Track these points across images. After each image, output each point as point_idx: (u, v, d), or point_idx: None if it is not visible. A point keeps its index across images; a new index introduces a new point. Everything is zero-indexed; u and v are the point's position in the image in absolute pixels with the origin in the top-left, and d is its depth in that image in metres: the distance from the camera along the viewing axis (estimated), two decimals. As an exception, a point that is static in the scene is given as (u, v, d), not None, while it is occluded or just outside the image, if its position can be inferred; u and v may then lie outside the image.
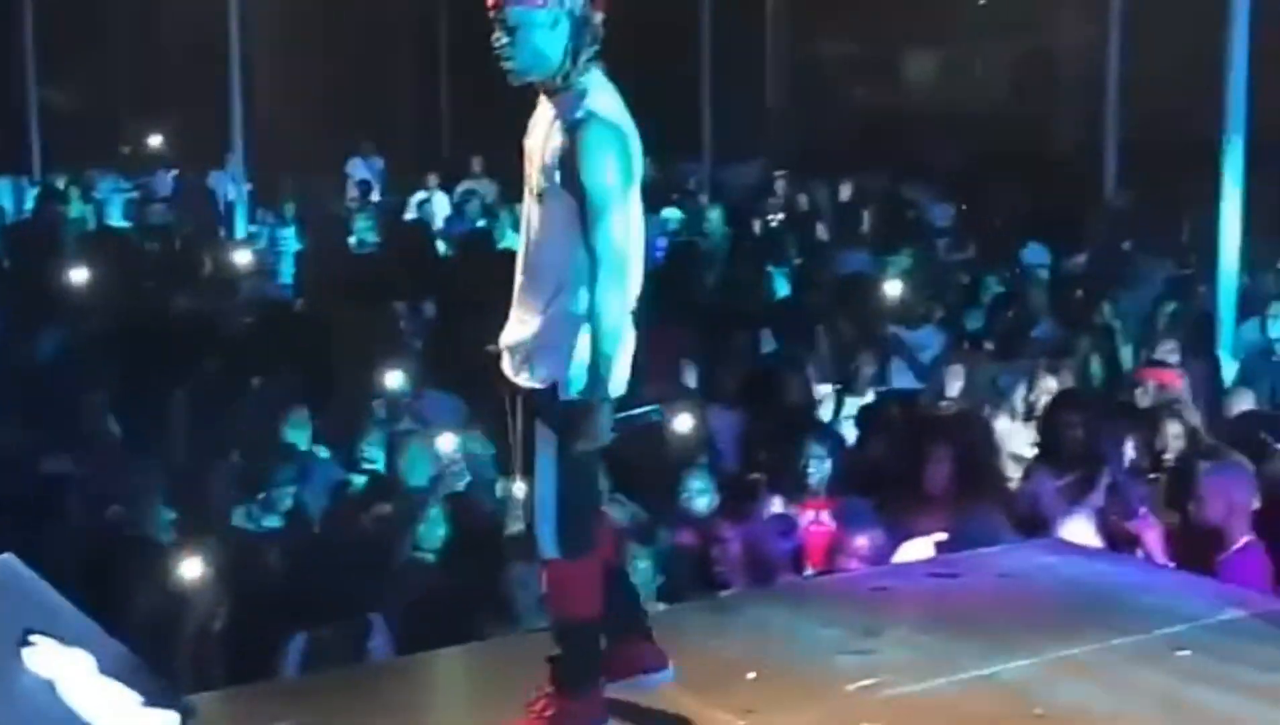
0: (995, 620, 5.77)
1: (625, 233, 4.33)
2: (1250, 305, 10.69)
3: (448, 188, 17.99)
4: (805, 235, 15.29)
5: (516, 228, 15.07)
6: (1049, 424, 8.62)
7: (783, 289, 12.79)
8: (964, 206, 15.65)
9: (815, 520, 7.68)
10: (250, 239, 14.99)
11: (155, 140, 22.80)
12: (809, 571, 7.37)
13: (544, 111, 4.46)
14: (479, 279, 11.86)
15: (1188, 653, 5.45)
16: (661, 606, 6.55)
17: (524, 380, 4.46)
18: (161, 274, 12.87)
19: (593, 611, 4.53)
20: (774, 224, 16.22)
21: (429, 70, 24.19)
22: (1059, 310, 11.54)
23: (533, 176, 4.44)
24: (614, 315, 4.31)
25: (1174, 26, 18.39)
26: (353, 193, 19.03)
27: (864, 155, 19.31)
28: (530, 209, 4.47)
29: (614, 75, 4.44)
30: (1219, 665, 5.36)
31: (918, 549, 7.23)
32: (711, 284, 12.68)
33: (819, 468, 7.85)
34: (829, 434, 8.57)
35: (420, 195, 17.57)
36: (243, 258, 13.25)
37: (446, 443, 7.81)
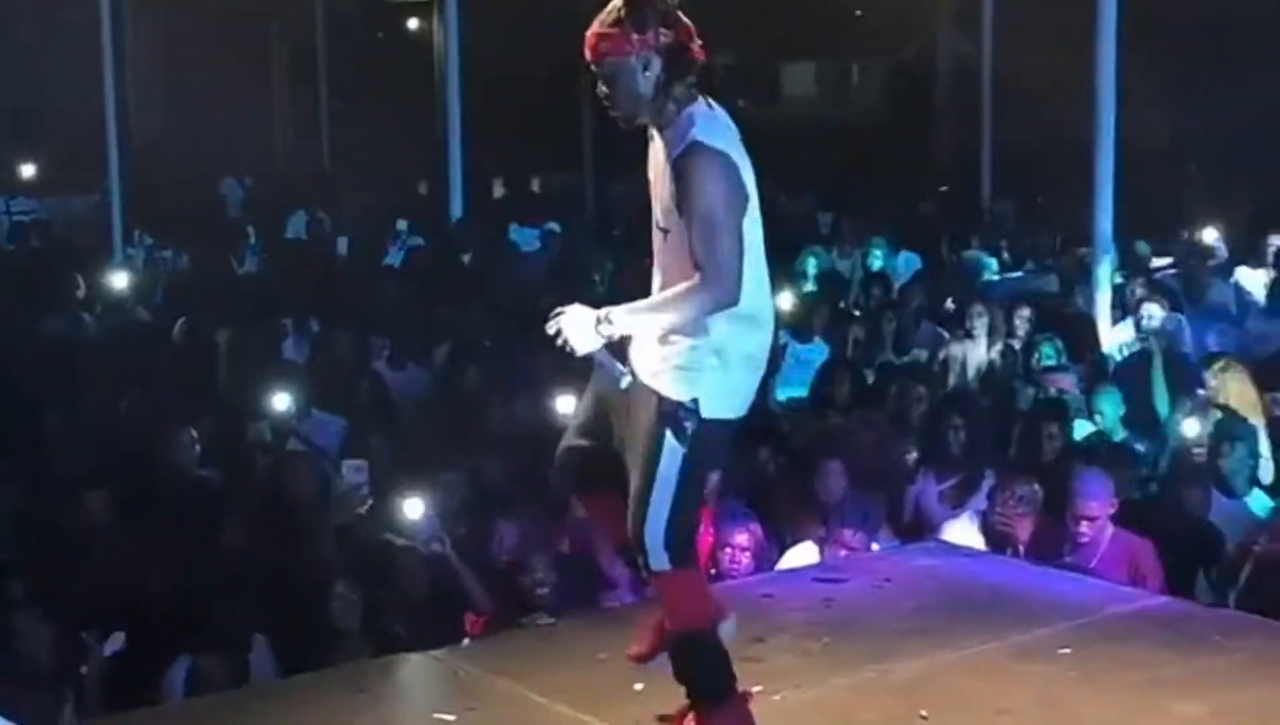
0: (881, 623, 5.83)
1: (738, 256, 4.37)
2: (1125, 306, 10.88)
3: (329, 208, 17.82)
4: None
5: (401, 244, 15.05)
6: (931, 428, 8.72)
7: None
8: (843, 217, 15.78)
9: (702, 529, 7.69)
10: (128, 260, 14.78)
11: (30, 165, 22.44)
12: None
13: (656, 147, 4.57)
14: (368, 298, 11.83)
15: (1069, 650, 5.54)
16: (549, 619, 6.56)
17: (663, 390, 4.48)
18: (35, 296, 12.66)
19: (707, 619, 4.58)
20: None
21: (308, 88, 24.02)
22: (937, 317, 11.68)
23: (657, 213, 4.54)
24: (741, 337, 4.45)
25: (1046, 36, 18.73)
26: (233, 213, 18.84)
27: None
28: (659, 241, 4.56)
29: (716, 100, 4.53)
30: (1100, 662, 5.46)
31: (802, 555, 7.29)
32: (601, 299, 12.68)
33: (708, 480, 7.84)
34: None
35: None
36: (119, 280, 13.07)
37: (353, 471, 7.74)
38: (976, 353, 10.63)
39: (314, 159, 22.70)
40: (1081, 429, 8.89)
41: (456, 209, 14.84)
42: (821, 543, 7.35)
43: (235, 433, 8.93)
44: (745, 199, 4.43)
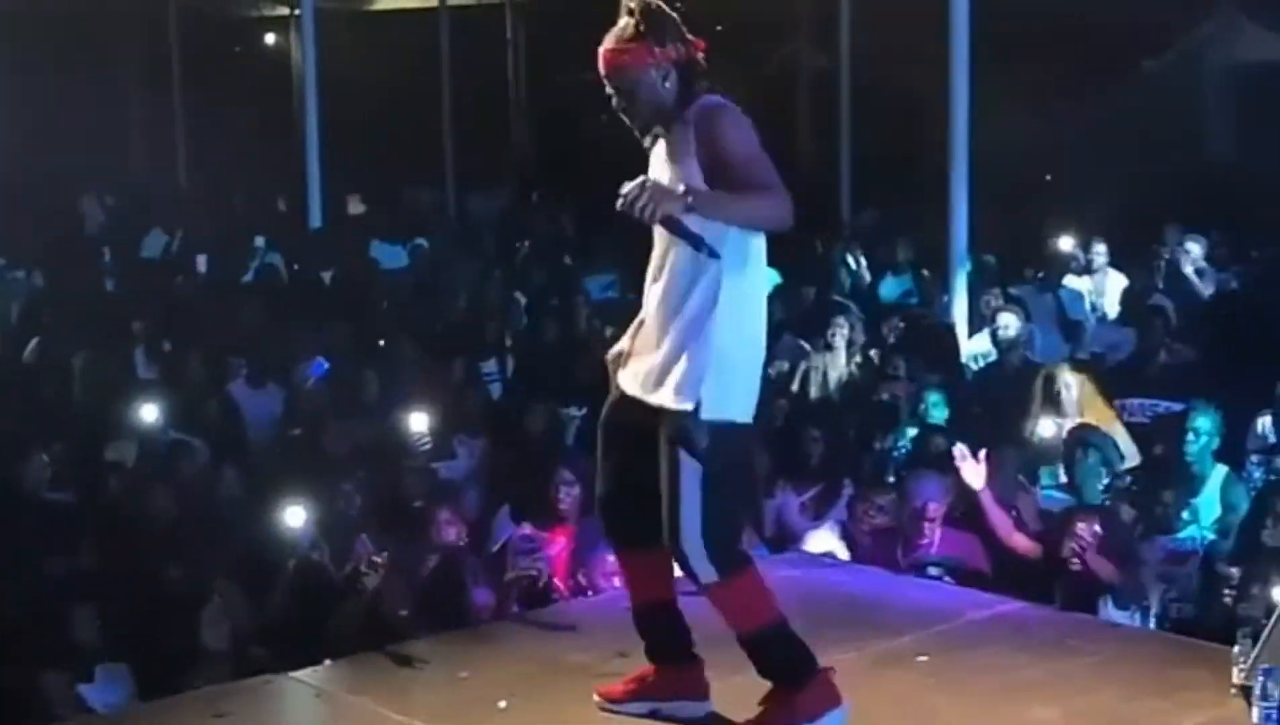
0: (742, 634, 5.84)
1: (745, 258, 4.48)
2: (980, 319, 11.03)
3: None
4: (553, 262, 15.33)
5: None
6: (790, 440, 8.80)
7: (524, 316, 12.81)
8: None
9: (560, 546, 7.70)
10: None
11: None
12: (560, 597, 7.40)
13: (660, 148, 4.65)
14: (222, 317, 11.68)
15: (926, 657, 5.61)
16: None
17: (664, 402, 4.53)
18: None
19: (773, 613, 4.69)
20: (522, 251, 16.22)
21: (164, 104, 23.68)
22: (796, 326, 11.75)
23: None
24: (740, 339, 4.51)
25: (903, 50, 18.98)
26: (90, 231, 18.49)
27: (606, 180, 19.43)
28: (660, 242, 4.62)
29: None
30: (958, 668, 5.54)
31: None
32: (459, 312, 12.64)
33: (568, 493, 7.87)
34: (576, 459, 8.61)
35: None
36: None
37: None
38: (837, 364, 10.72)
39: (170, 176, 22.36)
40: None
41: (315, 224, 14.70)
42: None
43: (90, 454, 8.77)
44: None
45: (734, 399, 4.55)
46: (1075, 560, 7.10)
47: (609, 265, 13.86)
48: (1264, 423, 8.95)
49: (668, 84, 4.54)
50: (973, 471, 7.41)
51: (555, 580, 7.41)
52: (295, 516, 7.28)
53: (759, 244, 4.59)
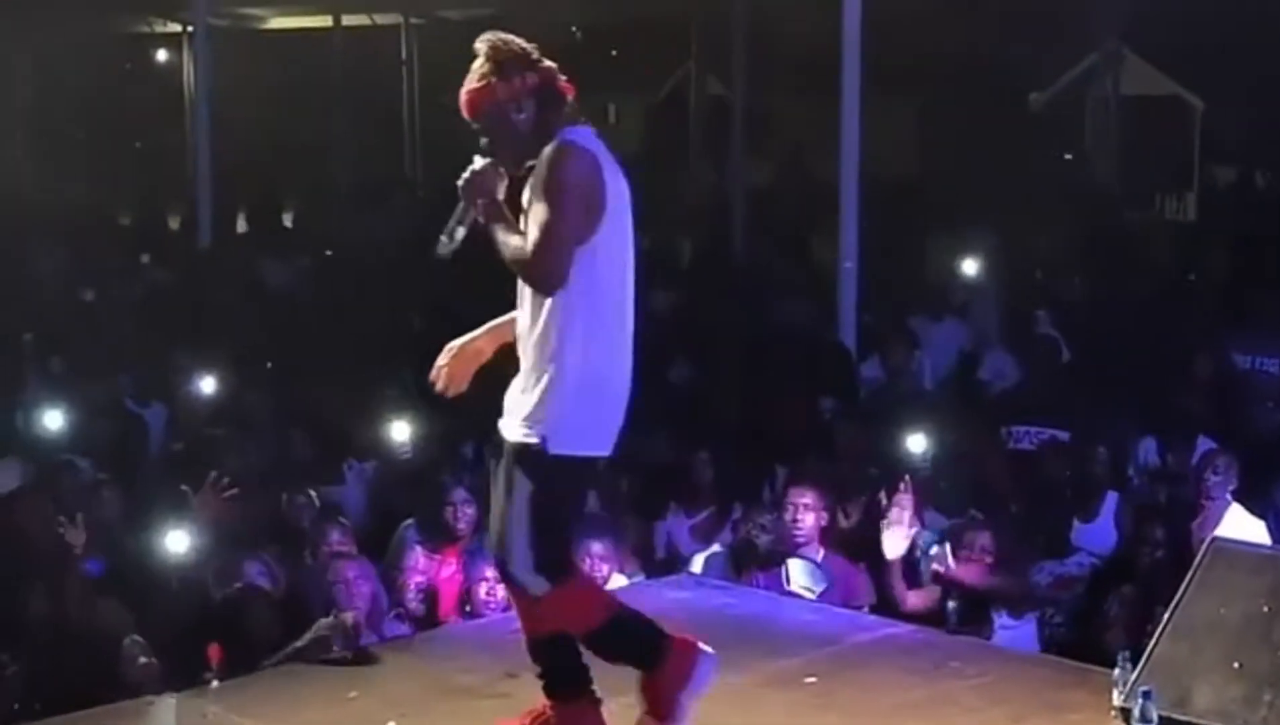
0: (631, 656, 5.84)
1: (567, 250, 4.47)
2: (869, 343, 11.12)
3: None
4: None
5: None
6: (681, 465, 8.83)
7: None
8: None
9: (452, 568, 7.67)
10: None
11: None
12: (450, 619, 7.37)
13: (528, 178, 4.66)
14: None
15: (815, 679, 5.65)
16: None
17: (511, 434, 4.59)
18: None
19: (610, 607, 4.80)
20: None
21: (52, 120, 23.39)
22: (692, 354, 11.79)
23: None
24: (595, 376, 4.55)
25: (794, 79, 19.17)
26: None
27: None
28: None
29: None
30: (846, 689, 5.60)
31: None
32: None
33: (464, 513, 7.84)
34: (470, 478, 8.60)
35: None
36: None
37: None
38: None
39: (59, 192, 22.06)
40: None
41: (205, 241, 14.54)
42: None
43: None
44: (596, 209, 4.53)
45: (583, 432, 4.60)
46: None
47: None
48: (1147, 447, 9.10)
49: (523, 115, 4.60)
50: (890, 541, 7.33)
51: (443, 601, 7.38)
52: (178, 541, 7.19)
53: (615, 277, 4.61)
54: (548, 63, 4.67)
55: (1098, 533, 8.15)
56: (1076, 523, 8.19)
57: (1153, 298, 12.57)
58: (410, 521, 8.06)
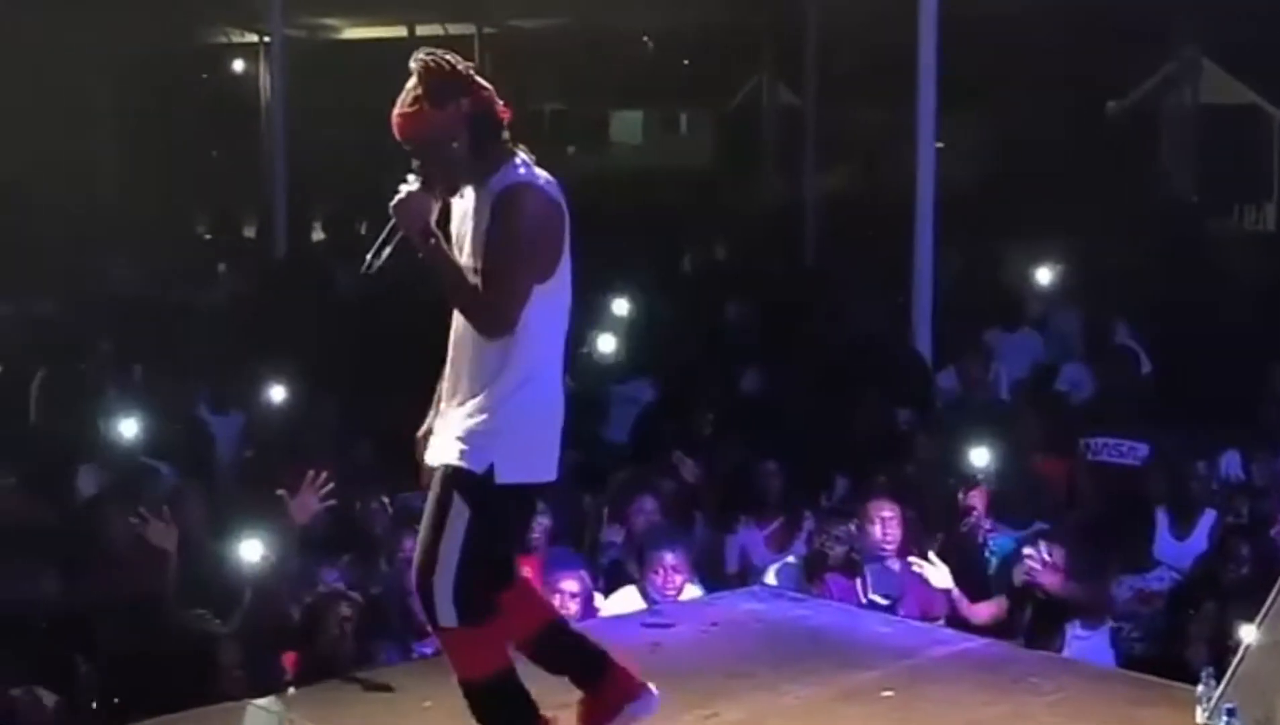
0: (707, 668, 5.85)
1: (522, 295, 4.38)
2: (945, 355, 11.06)
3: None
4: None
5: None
6: (750, 475, 8.79)
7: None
8: (668, 264, 15.91)
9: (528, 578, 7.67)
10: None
11: None
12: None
13: (467, 200, 4.53)
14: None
15: (892, 693, 5.60)
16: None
17: (452, 460, 4.46)
18: None
19: (500, 666, 4.57)
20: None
21: (130, 129, 23.66)
22: (764, 364, 11.75)
23: (463, 261, 4.48)
24: (535, 404, 4.46)
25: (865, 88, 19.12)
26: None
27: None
28: None
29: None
30: (923, 704, 5.54)
31: (625, 599, 7.29)
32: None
33: (538, 524, 7.85)
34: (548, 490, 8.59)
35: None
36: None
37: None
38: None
39: (138, 201, 22.31)
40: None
41: (280, 252, 14.65)
42: (639, 577, 7.35)
43: (56, 479, 8.68)
44: (557, 251, 4.44)
45: (526, 460, 4.48)
46: (1031, 586, 7.11)
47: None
48: (1229, 460, 9.00)
49: (456, 144, 4.41)
50: (935, 573, 7.34)
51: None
52: (251, 549, 7.20)
53: (565, 306, 4.54)
54: (484, 85, 4.47)
55: (1190, 550, 8.07)
56: (1170, 538, 8.11)
57: (1233, 308, 12.43)
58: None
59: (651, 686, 4.76)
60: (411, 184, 4.44)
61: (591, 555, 8.04)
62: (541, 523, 7.80)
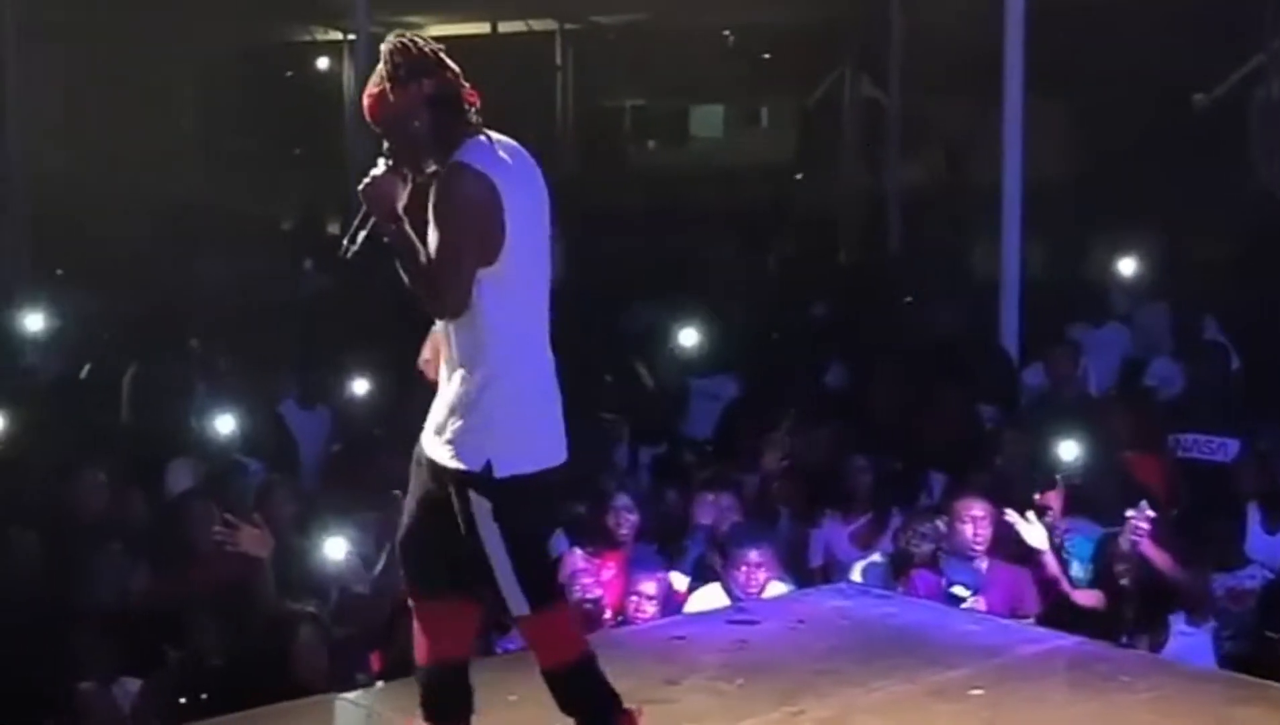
0: (794, 664, 5.85)
1: (463, 274, 4.38)
2: (1032, 350, 10.96)
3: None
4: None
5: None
6: (838, 472, 8.76)
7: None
8: (751, 259, 15.87)
9: (611, 572, 7.68)
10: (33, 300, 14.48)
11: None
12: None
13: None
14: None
15: (981, 690, 5.56)
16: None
17: (446, 462, 4.49)
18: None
19: (580, 651, 4.62)
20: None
21: (215, 124, 23.89)
22: (848, 360, 11.71)
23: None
24: (526, 384, 4.48)
25: (950, 81, 18.97)
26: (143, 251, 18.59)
27: (652, 205, 19.56)
28: None
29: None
30: (1013, 702, 5.49)
31: (710, 596, 7.28)
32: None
33: (626, 520, 7.87)
34: (633, 484, 8.62)
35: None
36: (32, 322, 12.79)
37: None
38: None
39: (222, 197, 22.53)
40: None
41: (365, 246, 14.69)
42: (723, 573, 7.34)
43: (146, 474, 8.77)
44: (498, 232, 4.40)
45: (526, 448, 4.50)
46: (1133, 560, 7.00)
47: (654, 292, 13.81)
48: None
49: (418, 124, 4.46)
50: (1032, 532, 7.28)
51: (605, 606, 7.39)
52: (336, 548, 7.23)
53: (532, 290, 4.53)
54: (451, 67, 4.53)
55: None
56: (1263, 535, 8.00)
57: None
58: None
59: None
60: (380, 167, 4.50)
61: (677, 552, 8.03)
62: (629, 519, 7.83)
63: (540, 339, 4.59)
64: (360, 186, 4.50)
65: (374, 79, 4.50)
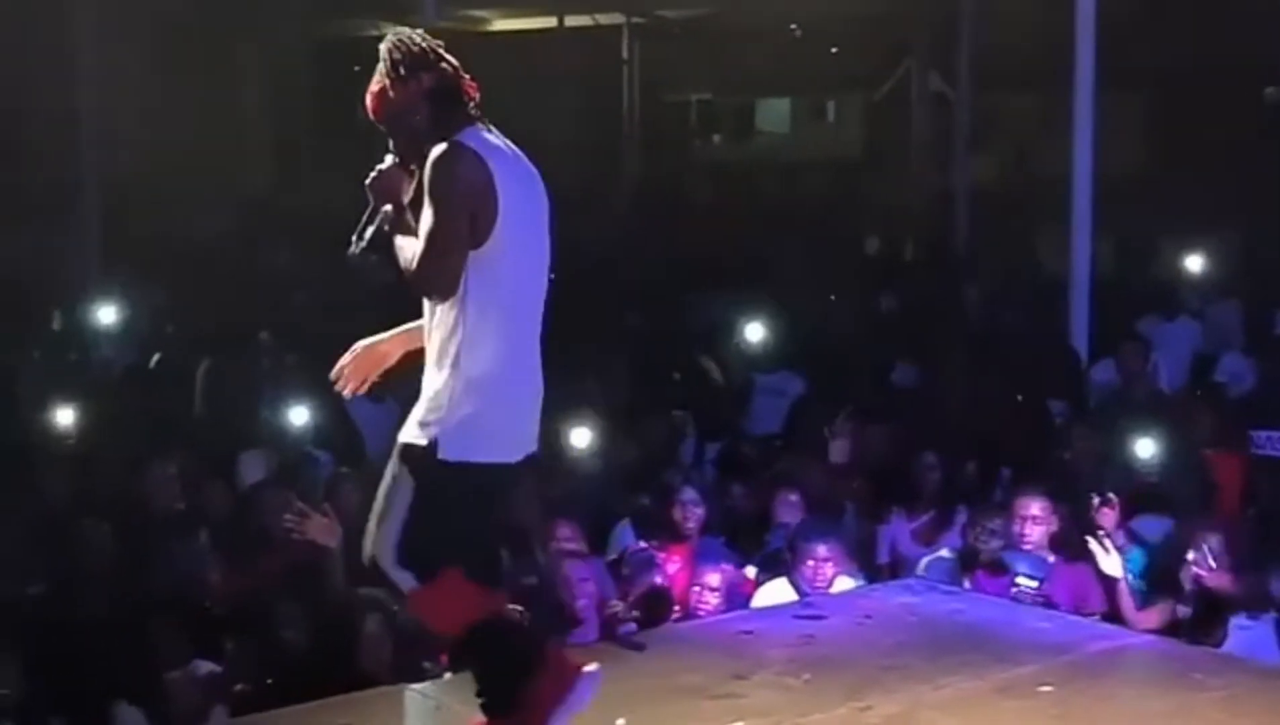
0: (861, 660, 5.83)
1: (453, 252, 4.39)
2: (1101, 346, 10.89)
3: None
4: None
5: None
6: (904, 467, 8.73)
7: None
8: (816, 254, 15.83)
9: (677, 566, 7.69)
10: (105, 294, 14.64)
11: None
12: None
13: None
14: None
15: (1050, 687, 5.53)
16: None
17: (404, 435, 4.49)
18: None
19: (480, 610, 4.52)
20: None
21: (288, 120, 24.04)
22: (916, 356, 11.66)
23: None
24: (495, 376, 4.42)
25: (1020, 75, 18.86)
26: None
27: (715, 200, 19.57)
28: None
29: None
30: (1083, 699, 5.45)
31: (777, 591, 7.27)
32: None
33: (693, 513, 7.88)
34: (698, 478, 8.62)
35: None
36: (105, 315, 12.92)
37: None
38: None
39: (293, 192, 22.69)
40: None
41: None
42: (791, 571, 7.33)
43: (217, 466, 8.86)
44: (491, 210, 4.39)
45: (478, 440, 4.44)
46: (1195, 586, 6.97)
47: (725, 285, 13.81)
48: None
49: (417, 118, 4.51)
50: (1109, 561, 7.17)
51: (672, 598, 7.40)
52: None
53: (520, 281, 4.50)
54: (449, 62, 4.58)
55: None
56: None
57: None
58: (626, 521, 8.11)
59: (590, 668, 4.63)
60: (387, 161, 4.57)
61: (745, 546, 8.03)
62: (695, 513, 7.84)
63: (522, 335, 4.55)
64: (367, 181, 4.57)
65: (375, 77, 4.57)
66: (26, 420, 9.73)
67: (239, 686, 6.65)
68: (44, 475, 8.82)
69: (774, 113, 27.47)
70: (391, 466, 4.51)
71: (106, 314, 12.22)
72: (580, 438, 8.90)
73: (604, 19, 22.98)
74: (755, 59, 23.39)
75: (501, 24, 23.23)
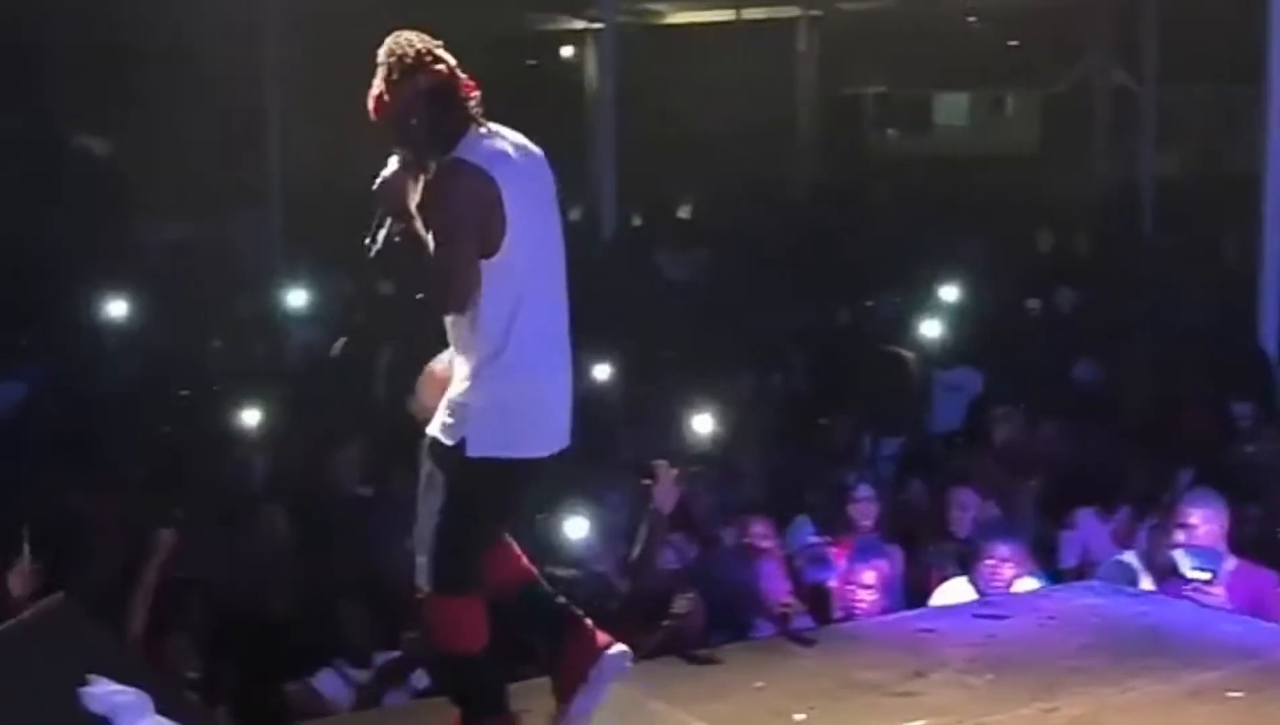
0: (1044, 661, 5.74)
1: (464, 270, 4.42)
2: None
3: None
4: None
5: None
6: (1095, 467, 8.59)
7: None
8: (996, 249, 15.64)
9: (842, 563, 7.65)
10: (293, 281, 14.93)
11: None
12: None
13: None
14: None
15: (1241, 694, 5.40)
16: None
17: (432, 432, 4.58)
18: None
19: (476, 646, 4.61)
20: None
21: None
22: (1095, 351, 11.48)
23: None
24: (518, 372, 4.48)
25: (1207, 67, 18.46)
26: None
27: (893, 195, 19.39)
28: None
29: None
30: (1275, 706, 5.32)
31: (956, 590, 7.20)
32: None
33: (869, 511, 7.84)
34: (874, 474, 8.57)
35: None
36: (294, 299, 13.16)
37: None
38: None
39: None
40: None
41: (607, 235, 14.90)
42: (970, 569, 7.25)
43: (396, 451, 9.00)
44: (497, 224, 4.42)
45: (505, 438, 4.49)
46: None
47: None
48: None
49: (415, 121, 4.51)
50: None
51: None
52: (577, 527, 7.28)
53: (537, 276, 4.52)
54: (445, 63, 4.56)
55: None
56: None
57: None
58: (804, 516, 8.08)
59: (619, 648, 4.72)
60: (391, 166, 4.58)
61: (919, 543, 7.95)
62: (870, 509, 7.79)
63: (543, 328, 4.58)
64: (373, 186, 4.58)
65: (375, 80, 4.60)
66: (213, 406, 9.96)
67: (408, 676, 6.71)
68: (231, 460, 9.04)
69: (952, 106, 27.23)
70: (424, 466, 4.62)
71: (297, 297, 12.46)
72: (759, 431, 8.89)
73: (781, 11, 22.94)
74: (932, 52, 23.19)
75: (678, 16, 23.29)
